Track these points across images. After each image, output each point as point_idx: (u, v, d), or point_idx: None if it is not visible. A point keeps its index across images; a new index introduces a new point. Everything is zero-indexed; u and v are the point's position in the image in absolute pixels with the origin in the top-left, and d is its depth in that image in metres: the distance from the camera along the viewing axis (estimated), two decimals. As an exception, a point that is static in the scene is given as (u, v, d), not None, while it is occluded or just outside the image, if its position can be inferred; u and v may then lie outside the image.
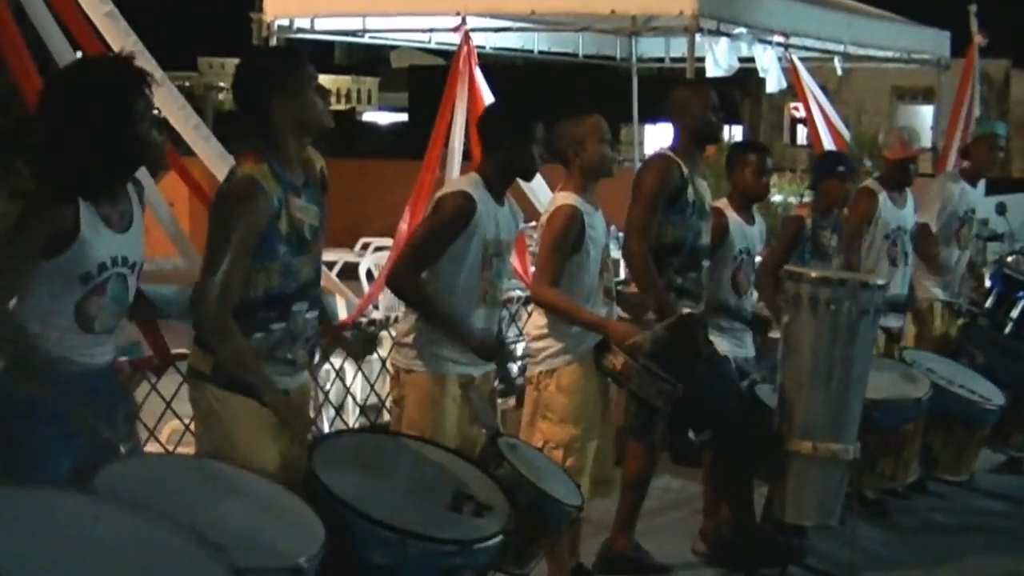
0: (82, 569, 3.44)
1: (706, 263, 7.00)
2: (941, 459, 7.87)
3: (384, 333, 8.96)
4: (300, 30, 10.88)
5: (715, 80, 10.10)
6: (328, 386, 8.56)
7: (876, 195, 8.45)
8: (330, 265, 11.85)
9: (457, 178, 6.09)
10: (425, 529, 4.52)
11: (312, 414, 8.06)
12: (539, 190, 9.47)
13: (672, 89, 7.10)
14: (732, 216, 7.35)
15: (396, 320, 8.95)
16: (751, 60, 10.76)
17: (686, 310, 6.68)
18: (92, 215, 4.26)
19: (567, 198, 6.33)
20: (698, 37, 9.68)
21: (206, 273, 4.60)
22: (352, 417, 8.76)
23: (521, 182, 9.51)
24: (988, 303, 11.07)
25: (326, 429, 7.93)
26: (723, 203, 7.40)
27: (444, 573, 4.53)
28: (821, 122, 11.64)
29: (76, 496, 3.80)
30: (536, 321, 6.50)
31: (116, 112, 4.27)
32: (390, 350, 8.87)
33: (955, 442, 7.85)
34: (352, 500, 4.48)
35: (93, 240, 4.25)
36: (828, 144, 11.61)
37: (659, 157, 6.92)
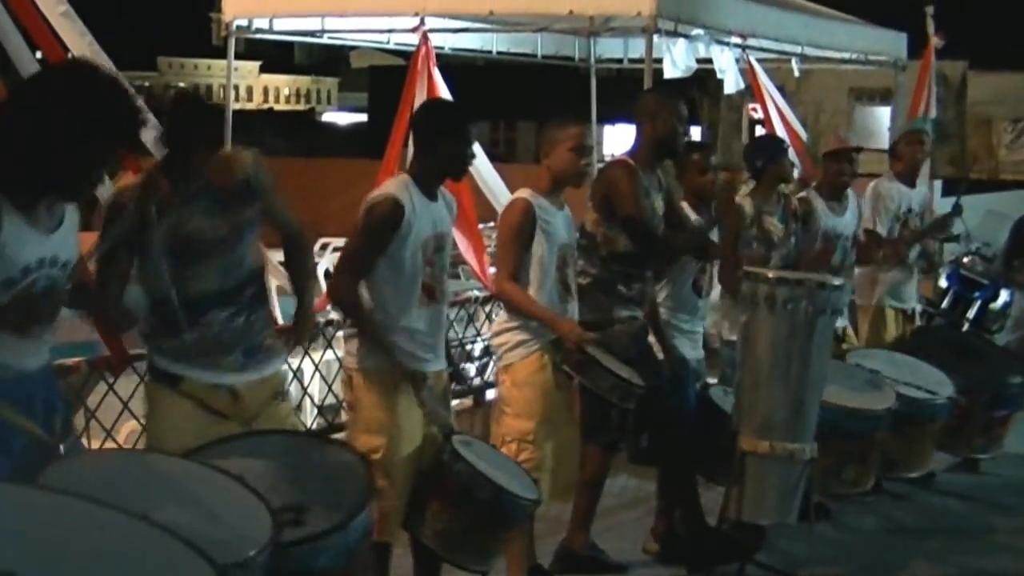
0: (62, 564, 3.39)
1: (648, 273, 7.01)
2: (899, 459, 7.89)
3: (340, 333, 8.96)
4: (259, 30, 10.86)
5: (674, 81, 10.14)
6: (286, 386, 8.52)
7: (812, 204, 8.29)
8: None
9: (387, 181, 6.07)
10: None
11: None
12: (498, 191, 9.48)
13: (642, 94, 7.11)
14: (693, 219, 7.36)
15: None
16: (709, 61, 10.79)
17: (627, 313, 6.84)
18: (15, 217, 4.17)
19: (522, 193, 6.41)
20: (656, 38, 9.70)
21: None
22: (310, 417, 8.74)
23: (481, 183, 9.56)
24: (944, 303, 11.16)
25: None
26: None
27: None
28: (779, 123, 11.68)
29: (49, 492, 3.74)
30: (499, 318, 6.59)
31: (80, 137, 4.16)
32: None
33: (908, 441, 7.85)
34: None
35: (15, 243, 4.16)
36: (786, 145, 11.65)
37: (622, 163, 6.91)
